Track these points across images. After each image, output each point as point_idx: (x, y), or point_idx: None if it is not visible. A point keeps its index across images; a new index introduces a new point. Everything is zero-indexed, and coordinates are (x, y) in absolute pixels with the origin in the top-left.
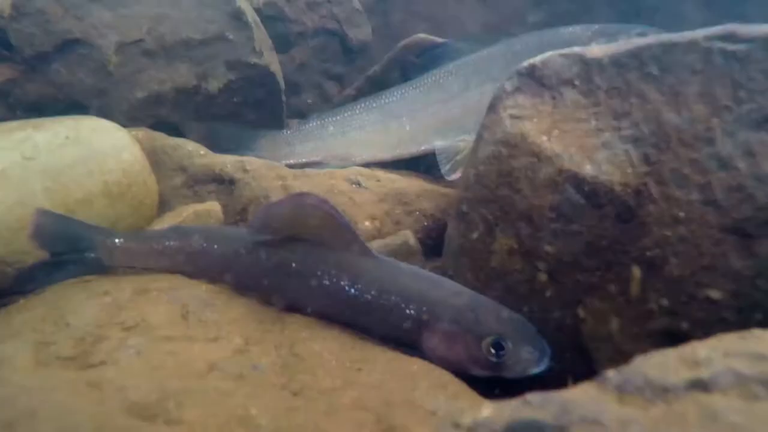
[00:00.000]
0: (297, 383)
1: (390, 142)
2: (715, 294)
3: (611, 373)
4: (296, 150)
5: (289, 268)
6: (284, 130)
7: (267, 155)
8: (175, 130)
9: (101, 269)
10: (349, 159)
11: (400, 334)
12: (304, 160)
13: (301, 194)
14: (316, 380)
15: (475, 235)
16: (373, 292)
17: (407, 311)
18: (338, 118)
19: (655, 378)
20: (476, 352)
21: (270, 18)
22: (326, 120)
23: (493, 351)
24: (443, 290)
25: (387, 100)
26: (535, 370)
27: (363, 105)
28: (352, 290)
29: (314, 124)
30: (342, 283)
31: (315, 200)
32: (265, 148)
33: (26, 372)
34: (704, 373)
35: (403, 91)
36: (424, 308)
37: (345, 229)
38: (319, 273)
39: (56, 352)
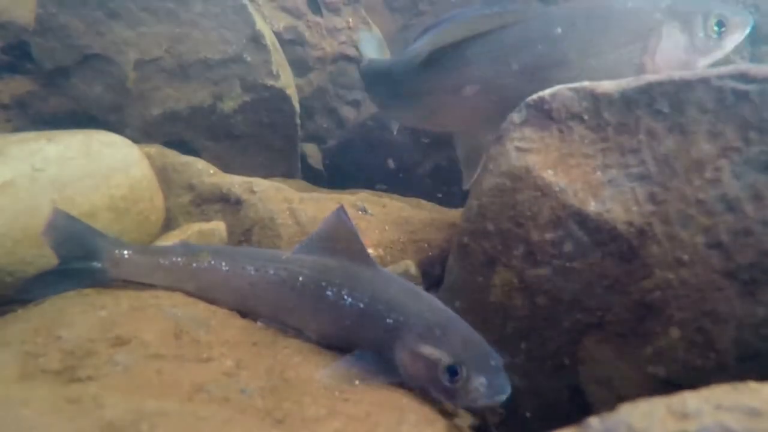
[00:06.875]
0: (281, 411)
1: None
2: (716, 341)
3: (594, 421)
4: None
5: (295, 282)
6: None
7: None
8: (189, 148)
9: (105, 281)
10: None
11: (381, 344)
12: None
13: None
14: (301, 408)
15: (475, 268)
16: (366, 300)
17: (387, 320)
18: None
19: (640, 429)
20: (433, 373)
21: (289, 42)
22: None
23: (447, 375)
24: (422, 304)
25: None
26: (484, 402)
27: None
28: (350, 299)
29: None
30: (342, 292)
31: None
32: None
33: (8, 384)
34: (691, 427)
35: None
36: (401, 318)
37: (354, 238)
38: (324, 284)
39: (43, 365)
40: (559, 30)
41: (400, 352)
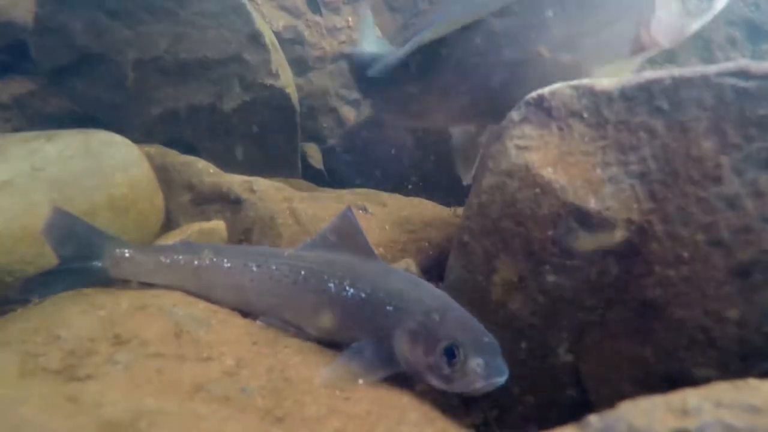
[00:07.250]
0: (281, 409)
1: None
2: (717, 339)
3: (594, 419)
4: None
5: (298, 276)
6: None
7: None
8: (189, 148)
9: (106, 280)
10: None
11: (382, 333)
12: None
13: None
14: (302, 407)
15: (475, 267)
16: (368, 290)
17: (388, 308)
18: None
19: (640, 426)
20: (431, 356)
21: (289, 41)
22: None
23: (444, 357)
24: (423, 292)
25: None
26: (481, 384)
27: None
28: (353, 289)
29: None
30: (344, 283)
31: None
32: None
33: (8, 383)
34: (691, 424)
35: None
36: (401, 305)
37: (359, 234)
38: (326, 276)
39: (43, 364)
40: (550, 13)
41: (399, 337)
